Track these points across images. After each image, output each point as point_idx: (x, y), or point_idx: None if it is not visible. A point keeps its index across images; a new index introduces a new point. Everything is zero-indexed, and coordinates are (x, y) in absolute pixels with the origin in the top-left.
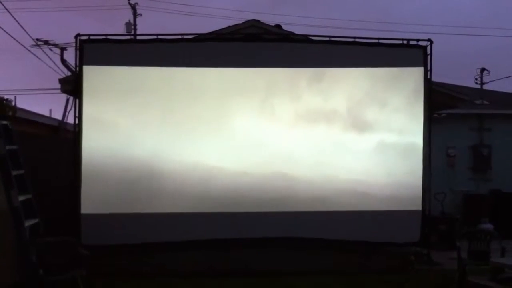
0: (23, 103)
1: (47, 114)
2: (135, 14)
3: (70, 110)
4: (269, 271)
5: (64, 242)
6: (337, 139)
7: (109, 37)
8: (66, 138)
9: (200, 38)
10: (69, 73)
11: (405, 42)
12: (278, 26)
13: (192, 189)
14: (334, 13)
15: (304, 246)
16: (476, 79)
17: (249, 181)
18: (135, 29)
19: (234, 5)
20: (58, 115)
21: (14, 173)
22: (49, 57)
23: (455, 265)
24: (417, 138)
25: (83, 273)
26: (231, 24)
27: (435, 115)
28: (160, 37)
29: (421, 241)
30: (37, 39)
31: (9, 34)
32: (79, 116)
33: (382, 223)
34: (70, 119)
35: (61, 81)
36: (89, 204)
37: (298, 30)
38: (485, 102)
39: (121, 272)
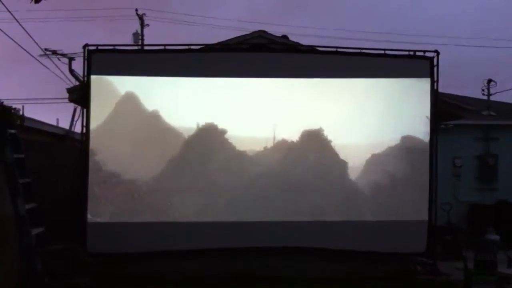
0: (31, 112)
1: (54, 123)
2: (142, 25)
3: (78, 119)
4: (272, 279)
5: (69, 250)
6: (343, 149)
7: (116, 47)
8: (73, 147)
9: (207, 49)
10: (77, 83)
11: (411, 53)
12: (285, 37)
13: (196, 199)
14: (341, 24)
15: (308, 255)
16: (483, 90)
17: (252, 190)
18: (142, 39)
19: (242, 16)
20: (65, 124)
21: (21, 181)
22: (57, 66)
23: (461, 275)
24: (423, 148)
25: (87, 281)
26: (238, 35)
27: (442, 126)
28: (167, 47)
29: (427, 251)
30: (46, 49)
31: (18, 43)
32: (86, 126)
33: (388, 233)
34: (77, 128)
35: (69, 90)
36: (95, 213)
37: (305, 41)
38: (491, 113)
39: (125, 280)
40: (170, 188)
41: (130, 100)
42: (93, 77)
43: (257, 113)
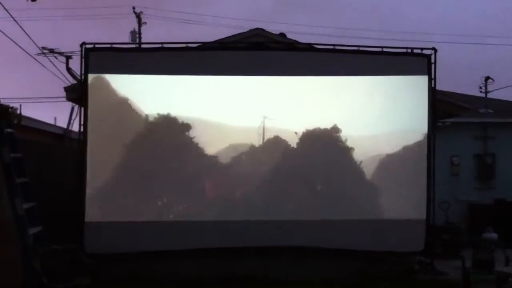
0: (28, 111)
1: (52, 122)
2: (140, 23)
3: (75, 118)
4: (272, 280)
5: (67, 250)
6: (341, 147)
7: (114, 45)
8: (71, 146)
9: (205, 47)
10: (75, 81)
11: (409, 50)
12: (283, 35)
13: (195, 198)
14: (339, 22)
15: (307, 255)
16: (480, 87)
17: (254, 189)
18: (140, 37)
19: (240, 14)
20: (63, 123)
21: (18, 181)
22: (54, 65)
23: (459, 274)
24: (421, 147)
25: (87, 281)
26: (235, 33)
27: (439, 124)
28: (164, 45)
29: (425, 250)
30: (43, 48)
31: (15, 42)
32: (84, 124)
33: (386, 232)
34: (75, 127)
35: (66, 89)
36: (93, 212)
37: (303, 39)
38: (489, 110)
39: (124, 281)
40: (169, 187)
41: (128, 98)
42: (90, 75)
43: (255, 111)
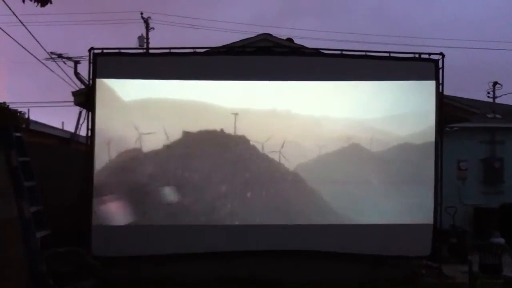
0: (37, 115)
1: (59, 126)
2: (147, 28)
3: (83, 122)
4: (275, 283)
5: (74, 253)
6: (348, 152)
7: (122, 50)
8: (78, 150)
9: (212, 52)
10: (82, 86)
11: (416, 55)
12: (290, 40)
13: (200, 202)
14: (347, 27)
15: (311, 258)
16: (488, 92)
17: (255, 193)
18: (147, 42)
19: (247, 19)
20: (70, 128)
21: (26, 184)
22: (62, 70)
23: (466, 278)
24: (428, 151)
25: (93, 284)
26: (243, 38)
27: (447, 129)
28: (172, 50)
29: (433, 254)
30: (51, 52)
31: (23, 47)
32: (91, 129)
33: (393, 237)
34: (83, 132)
35: (74, 93)
36: (99, 216)
37: (310, 44)
38: (497, 115)
39: (130, 283)
40: (174, 191)
41: (135, 102)
42: (98, 80)
43: (262, 115)
